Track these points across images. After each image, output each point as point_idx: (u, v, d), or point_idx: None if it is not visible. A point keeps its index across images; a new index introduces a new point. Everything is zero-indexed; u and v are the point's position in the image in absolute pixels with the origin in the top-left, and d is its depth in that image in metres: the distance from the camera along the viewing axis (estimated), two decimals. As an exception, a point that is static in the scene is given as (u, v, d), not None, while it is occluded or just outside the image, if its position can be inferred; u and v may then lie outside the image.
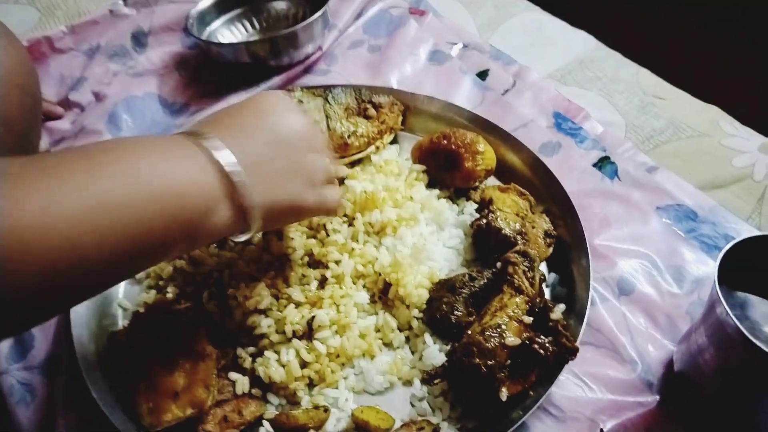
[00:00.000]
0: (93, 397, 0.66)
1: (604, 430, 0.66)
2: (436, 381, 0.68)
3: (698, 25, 1.70)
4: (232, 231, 0.58)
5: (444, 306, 0.72)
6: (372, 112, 0.93)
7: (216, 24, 1.15)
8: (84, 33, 1.18)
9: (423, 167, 0.88)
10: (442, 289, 0.74)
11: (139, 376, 0.66)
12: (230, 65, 1.08)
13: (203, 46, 1.09)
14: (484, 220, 0.77)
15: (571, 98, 1.01)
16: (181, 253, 0.58)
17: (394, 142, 0.96)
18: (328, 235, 0.80)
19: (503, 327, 0.65)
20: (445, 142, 0.86)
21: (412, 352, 0.74)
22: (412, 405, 0.70)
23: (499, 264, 0.73)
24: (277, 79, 1.07)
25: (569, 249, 0.78)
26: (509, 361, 0.65)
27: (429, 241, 0.80)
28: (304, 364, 0.71)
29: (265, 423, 0.68)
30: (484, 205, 0.81)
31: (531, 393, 0.66)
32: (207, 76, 1.10)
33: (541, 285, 0.71)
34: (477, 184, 0.87)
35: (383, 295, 0.77)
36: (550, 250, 0.78)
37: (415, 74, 1.08)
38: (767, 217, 0.86)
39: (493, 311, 0.68)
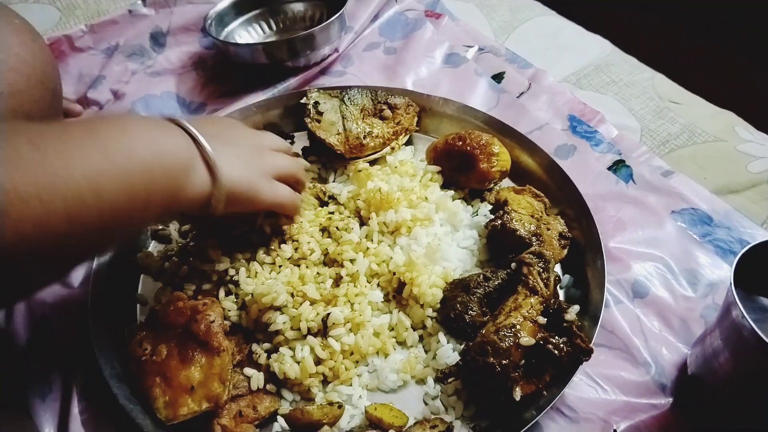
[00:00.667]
0: (109, 390, 0.67)
1: (618, 431, 0.66)
2: (449, 380, 0.68)
3: (713, 30, 1.69)
4: (204, 198, 0.63)
5: (458, 305, 0.72)
6: (387, 113, 0.94)
7: (234, 25, 1.16)
8: (103, 32, 1.19)
9: (438, 168, 0.89)
10: (457, 288, 0.74)
11: (155, 370, 0.67)
12: (247, 66, 1.09)
13: (221, 47, 1.10)
14: (499, 221, 0.77)
15: (586, 102, 1.02)
16: (161, 214, 0.62)
17: (408, 143, 0.97)
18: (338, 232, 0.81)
19: (518, 327, 0.66)
20: (461, 143, 0.87)
21: (426, 351, 0.75)
22: (425, 403, 0.71)
23: (513, 265, 0.73)
24: (293, 80, 1.08)
25: (584, 251, 0.79)
26: (523, 361, 0.65)
27: (443, 241, 0.80)
28: (318, 361, 0.72)
29: (280, 418, 0.69)
30: (499, 207, 0.82)
31: (545, 393, 0.66)
32: (224, 77, 1.11)
33: (555, 286, 0.72)
34: (491, 185, 0.87)
35: (397, 294, 0.78)
36: (565, 251, 0.78)
37: (431, 76, 1.09)
38: (783, 223, 0.86)
39: (507, 311, 0.69)
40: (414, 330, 0.76)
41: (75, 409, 0.71)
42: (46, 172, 0.46)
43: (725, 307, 0.60)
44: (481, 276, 0.74)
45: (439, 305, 0.75)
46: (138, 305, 0.80)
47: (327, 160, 0.94)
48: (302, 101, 0.95)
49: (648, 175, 0.90)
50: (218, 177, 0.63)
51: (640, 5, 1.67)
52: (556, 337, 0.66)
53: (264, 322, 0.73)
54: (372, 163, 0.92)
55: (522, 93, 1.04)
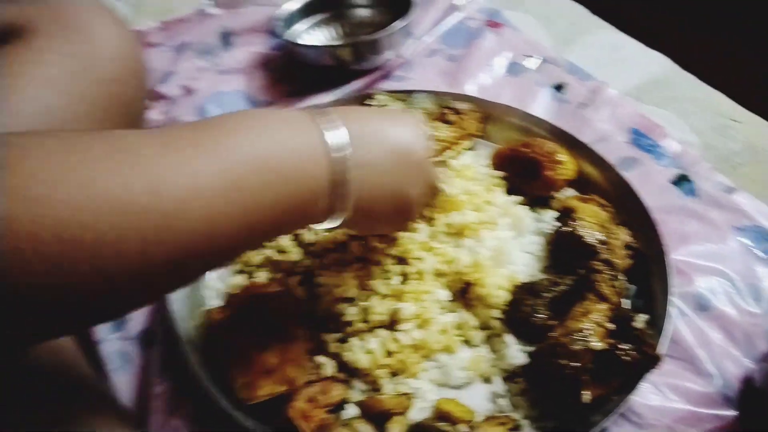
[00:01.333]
0: (189, 369, 0.70)
1: (684, 438, 0.67)
2: (518, 379, 0.70)
3: None
4: (326, 217, 0.57)
5: (526, 308, 0.74)
6: (452, 117, 0.96)
7: (301, 27, 1.20)
8: (174, 30, 1.23)
9: (502, 173, 0.91)
10: (524, 292, 0.76)
11: (234, 352, 0.70)
12: (312, 67, 1.12)
13: (289, 47, 1.13)
14: (567, 228, 0.79)
15: (648, 116, 1.03)
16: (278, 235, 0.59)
17: (471, 149, 0.99)
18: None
19: (588, 331, 0.67)
20: (526, 150, 0.88)
21: (492, 351, 0.76)
22: (492, 401, 0.72)
23: (582, 271, 0.75)
24: (357, 83, 1.11)
25: (648, 262, 0.80)
26: (593, 366, 0.66)
27: (509, 244, 0.82)
28: (387, 353, 0.74)
29: (351, 405, 0.71)
30: (565, 214, 0.83)
31: (613, 398, 0.67)
32: (290, 77, 1.15)
33: (624, 294, 0.73)
34: (555, 193, 0.89)
35: (463, 294, 0.79)
36: (631, 261, 0.79)
37: (492, 84, 1.11)
38: None
39: (576, 316, 0.70)
40: (480, 330, 0.78)
41: (154, 387, 0.74)
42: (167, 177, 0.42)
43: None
44: (550, 281, 0.76)
45: (505, 307, 0.77)
46: (209, 291, 0.83)
47: (391, 161, 0.96)
48: (368, 103, 0.98)
49: (711, 190, 0.91)
50: (347, 195, 0.55)
51: (698, 23, 1.67)
52: (626, 344, 0.67)
53: (335, 313, 0.76)
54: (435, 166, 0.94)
55: (583, 104, 1.05)
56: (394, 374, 0.74)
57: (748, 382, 0.71)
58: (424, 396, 0.72)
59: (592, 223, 0.80)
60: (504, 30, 1.21)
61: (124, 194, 0.39)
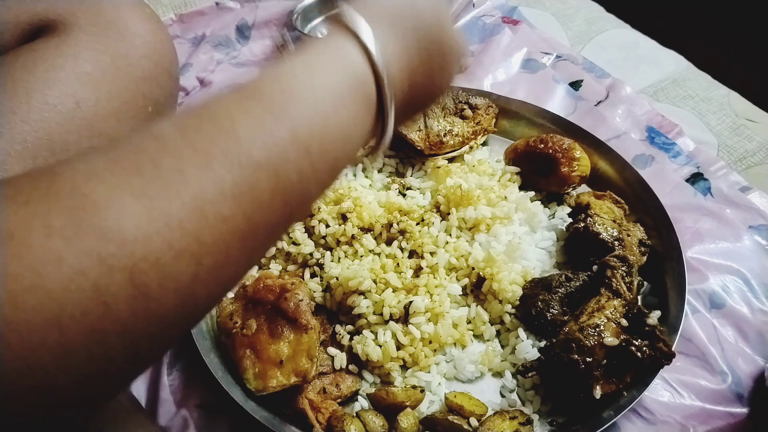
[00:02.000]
0: (200, 359, 0.71)
1: (696, 435, 0.67)
2: (530, 374, 0.70)
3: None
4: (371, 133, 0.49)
5: (540, 303, 0.74)
6: (468, 112, 0.96)
7: (317, 21, 1.20)
8: (191, 22, 1.24)
9: (517, 169, 0.91)
10: (538, 287, 0.76)
11: (246, 343, 0.71)
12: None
13: (306, 40, 1.14)
14: (582, 224, 0.79)
15: (663, 115, 1.02)
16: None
17: (485, 144, 0.99)
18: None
19: (602, 327, 0.67)
20: (542, 146, 0.88)
21: (502, 346, 0.77)
22: (503, 395, 0.72)
23: (596, 267, 0.75)
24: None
25: (662, 259, 0.80)
26: (605, 361, 0.66)
27: (523, 240, 0.82)
28: (399, 347, 0.74)
29: (362, 397, 0.72)
30: (581, 210, 0.83)
31: (624, 394, 0.67)
32: (305, 70, 1.15)
33: (638, 290, 0.73)
34: (570, 189, 0.89)
35: (475, 288, 0.80)
36: (644, 259, 0.79)
37: (508, 80, 1.11)
38: None
39: (590, 312, 0.70)
40: (491, 325, 0.78)
41: (165, 377, 0.74)
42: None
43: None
44: (563, 276, 0.76)
45: (518, 302, 0.77)
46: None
47: (405, 155, 0.97)
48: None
49: (726, 189, 0.91)
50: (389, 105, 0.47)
51: (714, 23, 1.66)
52: (639, 340, 0.67)
53: (348, 305, 0.76)
54: (450, 160, 0.94)
55: (600, 102, 1.05)
56: (405, 367, 0.75)
57: (760, 380, 0.71)
58: (435, 390, 0.72)
59: (607, 219, 0.80)
60: (521, 27, 1.21)
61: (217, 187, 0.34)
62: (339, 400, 0.71)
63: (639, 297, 0.78)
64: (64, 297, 0.28)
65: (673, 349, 0.68)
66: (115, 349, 0.30)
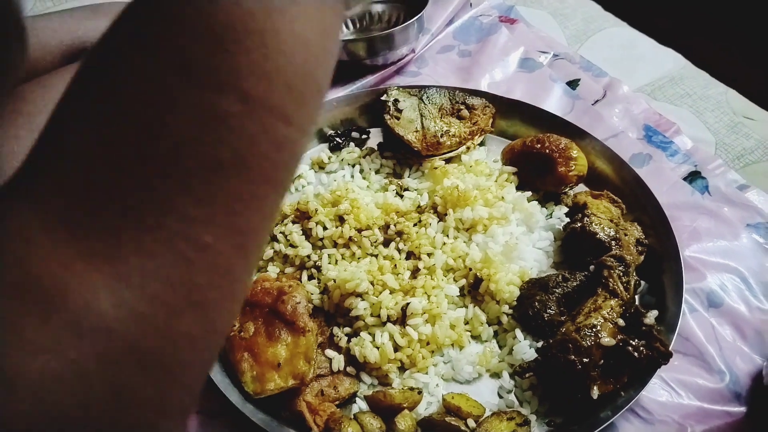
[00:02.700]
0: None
1: (693, 435, 0.67)
2: (527, 374, 0.70)
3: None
4: None
5: (537, 303, 0.74)
6: (465, 113, 0.96)
7: None
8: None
9: (514, 169, 0.91)
10: (534, 287, 0.76)
11: (243, 346, 0.71)
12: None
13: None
14: (579, 224, 0.79)
15: (661, 113, 1.02)
16: None
17: (482, 144, 0.99)
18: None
19: (599, 327, 0.67)
20: (539, 145, 0.88)
21: (500, 347, 0.77)
22: (500, 396, 0.73)
23: (592, 267, 0.75)
24: (371, 78, 1.11)
25: (659, 259, 0.80)
26: (602, 361, 0.66)
27: (520, 240, 0.82)
28: (396, 348, 0.74)
29: (360, 399, 0.72)
30: (578, 210, 0.83)
31: (621, 394, 0.67)
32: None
33: (635, 290, 0.73)
34: (567, 189, 0.89)
35: (473, 289, 0.80)
36: (642, 258, 0.79)
37: (505, 80, 1.10)
38: None
39: (587, 312, 0.70)
40: (489, 325, 0.78)
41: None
42: None
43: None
44: (560, 276, 0.76)
45: (515, 302, 0.77)
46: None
47: (402, 156, 0.97)
48: (382, 98, 0.98)
49: (723, 187, 0.91)
50: None
51: (712, 21, 1.66)
52: (636, 340, 0.67)
53: (345, 307, 0.76)
54: (447, 161, 0.94)
55: (597, 101, 1.05)
56: (403, 369, 0.75)
57: (757, 378, 0.71)
58: (433, 391, 0.72)
59: (604, 219, 0.80)
60: (518, 26, 1.21)
61: None
62: (337, 402, 0.71)
63: (636, 296, 0.78)
64: (84, 405, 0.26)
65: (670, 348, 0.68)
66: None
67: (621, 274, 0.73)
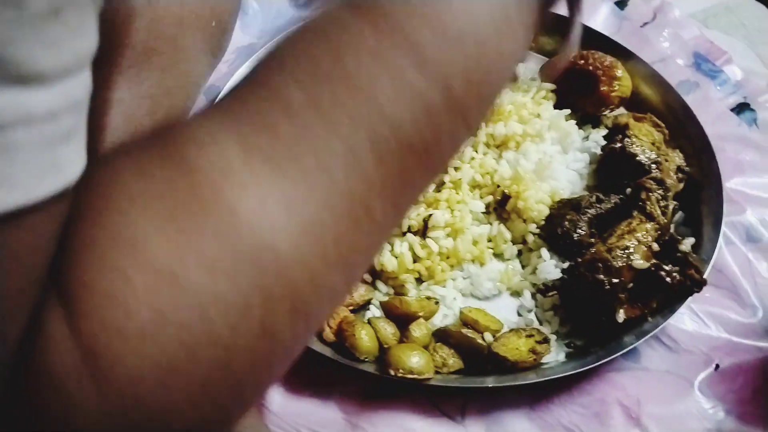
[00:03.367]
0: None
1: (720, 366, 0.64)
2: (551, 293, 0.67)
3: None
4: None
5: (567, 223, 0.71)
6: (504, 26, 0.90)
7: None
8: None
9: (553, 86, 0.86)
10: (566, 207, 0.73)
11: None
12: None
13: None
14: (619, 144, 0.74)
15: (713, 41, 0.96)
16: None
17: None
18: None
19: (631, 249, 0.64)
20: (582, 62, 0.83)
21: (523, 267, 0.74)
22: (519, 315, 0.70)
23: (629, 190, 0.71)
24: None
25: (699, 188, 0.75)
26: (632, 284, 0.63)
27: (554, 159, 0.78)
28: (415, 259, 0.71)
29: (374, 306, 0.70)
30: (618, 131, 0.78)
31: (649, 320, 0.64)
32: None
33: (672, 216, 0.69)
34: (607, 111, 0.84)
35: (499, 206, 0.76)
36: (681, 186, 0.75)
37: (549, -4, 1.04)
38: None
39: (620, 234, 0.67)
40: (513, 244, 0.75)
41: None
42: None
43: None
44: (594, 197, 0.72)
45: (543, 222, 0.74)
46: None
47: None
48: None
49: (773, 121, 0.85)
50: None
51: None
52: (669, 265, 0.64)
53: (366, 214, 0.73)
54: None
55: (646, 23, 0.98)
56: (420, 281, 0.72)
57: (792, 317, 0.68)
58: (450, 304, 0.70)
59: (646, 141, 0.75)
60: (565, -60, 1.13)
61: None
62: (351, 308, 0.69)
63: (672, 225, 0.74)
64: (232, 341, 0.25)
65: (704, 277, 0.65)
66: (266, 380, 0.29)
67: (660, 198, 0.69)
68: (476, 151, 0.79)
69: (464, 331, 0.65)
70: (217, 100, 0.31)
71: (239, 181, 0.25)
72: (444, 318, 0.69)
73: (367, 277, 0.71)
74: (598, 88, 0.82)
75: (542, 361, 0.65)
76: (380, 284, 0.72)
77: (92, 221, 0.25)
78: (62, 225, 0.24)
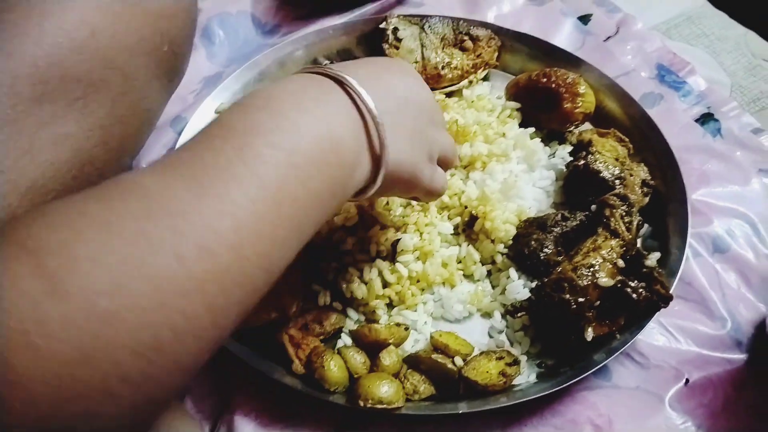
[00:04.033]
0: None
1: (690, 381, 0.64)
2: (519, 314, 0.67)
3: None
4: (360, 189, 0.50)
5: (533, 242, 0.71)
6: (468, 44, 0.91)
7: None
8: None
9: (517, 104, 0.86)
10: (532, 226, 0.73)
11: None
12: (324, -11, 1.06)
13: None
14: (582, 161, 0.75)
15: (675, 52, 0.97)
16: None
17: (486, 79, 0.94)
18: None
19: (596, 267, 0.64)
20: (545, 80, 0.84)
21: (493, 287, 0.74)
22: (490, 336, 0.70)
23: (594, 206, 0.71)
24: (371, 7, 1.05)
25: (665, 201, 0.76)
26: (599, 302, 0.63)
27: (520, 178, 0.78)
28: (385, 284, 0.71)
29: (345, 334, 0.69)
30: (581, 148, 0.79)
31: (617, 337, 0.64)
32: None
33: (637, 231, 0.69)
34: (572, 127, 0.84)
35: (467, 227, 0.76)
36: (646, 200, 0.75)
37: (514, 13, 1.04)
38: None
39: (585, 251, 0.67)
40: (482, 264, 0.75)
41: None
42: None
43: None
44: (559, 215, 0.72)
45: (511, 241, 0.74)
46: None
47: (401, 90, 0.92)
48: (381, 26, 0.92)
49: (737, 130, 0.86)
50: (384, 163, 0.48)
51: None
52: (635, 282, 0.64)
53: (334, 242, 0.73)
54: (448, 95, 0.89)
55: (609, 37, 0.99)
56: (391, 306, 0.72)
57: (760, 326, 0.68)
58: (421, 329, 0.70)
59: (609, 157, 0.76)
60: (528, -43, 1.14)
61: (178, 268, 0.33)
62: (322, 337, 0.69)
63: (639, 239, 0.74)
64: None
65: (671, 292, 0.65)
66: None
67: (624, 213, 0.69)
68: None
69: (435, 356, 0.65)
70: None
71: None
72: (415, 343, 0.69)
73: (338, 305, 0.71)
74: (561, 105, 0.82)
75: (514, 382, 0.65)
76: (351, 311, 0.71)
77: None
78: None
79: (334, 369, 0.62)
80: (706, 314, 0.70)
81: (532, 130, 0.83)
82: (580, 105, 0.82)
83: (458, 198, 0.77)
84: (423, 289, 0.73)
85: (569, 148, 0.83)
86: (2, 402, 0.26)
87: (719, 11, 1.10)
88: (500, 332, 0.70)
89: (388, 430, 0.63)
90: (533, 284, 0.69)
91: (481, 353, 0.66)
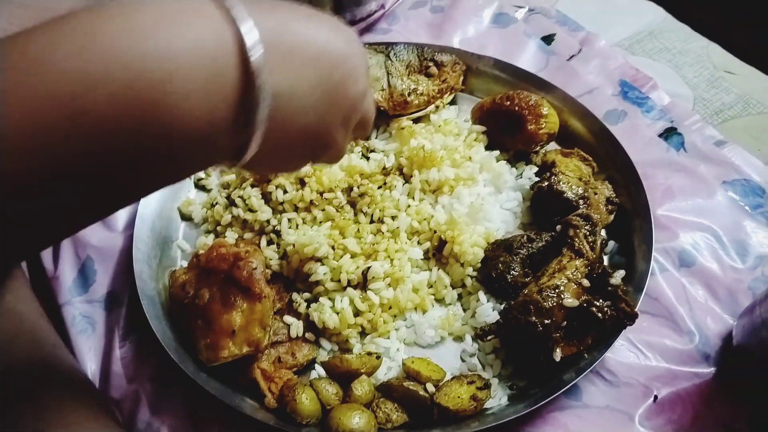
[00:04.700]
0: (151, 332, 0.68)
1: (658, 397, 0.65)
2: (489, 337, 0.68)
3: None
4: (226, 152, 0.41)
5: (500, 265, 0.72)
6: (434, 70, 0.92)
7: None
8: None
9: (483, 128, 0.87)
10: (499, 248, 0.74)
11: (197, 313, 0.68)
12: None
13: None
14: (546, 183, 0.76)
15: (638, 68, 0.99)
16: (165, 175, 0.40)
17: (453, 102, 0.95)
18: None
19: (562, 288, 0.65)
20: (508, 103, 0.85)
21: (464, 310, 0.74)
22: (462, 360, 0.71)
23: (559, 227, 0.72)
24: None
25: (631, 218, 0.77)
26: (565, 323, 0.64)
27: (486, 201, 0.79)
28: (357, 313, 0.72)
29: (318, 366, 0.69)
30: (546, 169, 0.80)
31: (585, 356, 0.65)
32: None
33: (601, 250, 0.70)
34: (538, 148, 0.86)
35: (437, 252, 0.77)
36: (611, 217, 0.76)
37: (478, 36, 1.06)
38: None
39: (551, 273, 0.68)
40: (453, 288, 0.75)
41: (117, 351, 0.72)
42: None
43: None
44: (525, 237, 0.73)
45: (479, 264, 0.75)
46: (179, 251, 0.81)
47: (370, 117, 0.93)
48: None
49: (700, 144, 0.88)
50: (259, 114, 0.39)
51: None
52: (600, 301, 0.65)
53: (305, 273, 0.74)
54: (415, 121, 0.91)
55: (572, 56, 1.01)
56: (364, 334, 0.72)
57: (727, 339, 0.69)
58: (394, 356, 0.70)
59: (573, 177, 0.77)
60: (492, -20, 1.16)
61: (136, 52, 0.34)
62: (295, 369, 0.69)
63: (606, 257, 0.75)
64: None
65: (637, 309, 0.66)
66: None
67: (587, 233, 0.70)
68: (413, 198, 0.81)
69: (406, 384, 0.65)
70: None
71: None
72: (388, 371, 0.69)
73: (311, 336, 0.72)
74: (525, 127, 0.83)
75: (486, 406, 0.65)
76: (324, 342, 0.72)
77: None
78: None
79: (306, 402, 0.63)
80: (673, 329, 0.70)
81: (497, 153, 0.85)
82: (543, 126, 0.84)
83: (427, 223, 0.78)
84: (395, 316, 0.73)
85: (536, 169, 0.84)
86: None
87: (682, 24, 1.12)
88: (472, 355, 0.70)
89: (363, 459, 0.63)
90: (502, 307, 0.70)
91: (453, 378, 0.67)
